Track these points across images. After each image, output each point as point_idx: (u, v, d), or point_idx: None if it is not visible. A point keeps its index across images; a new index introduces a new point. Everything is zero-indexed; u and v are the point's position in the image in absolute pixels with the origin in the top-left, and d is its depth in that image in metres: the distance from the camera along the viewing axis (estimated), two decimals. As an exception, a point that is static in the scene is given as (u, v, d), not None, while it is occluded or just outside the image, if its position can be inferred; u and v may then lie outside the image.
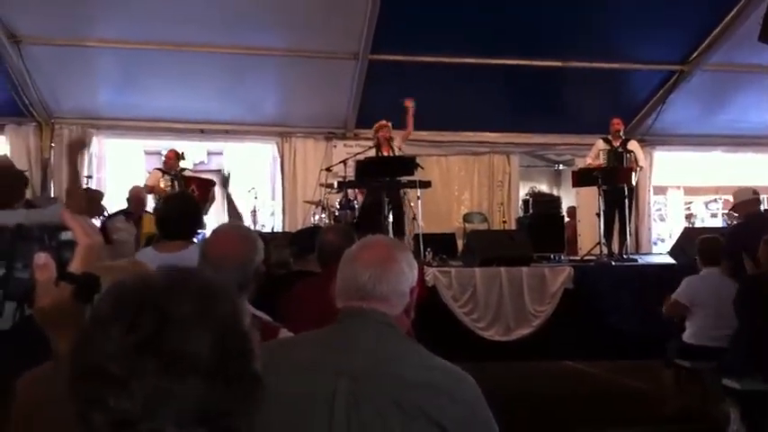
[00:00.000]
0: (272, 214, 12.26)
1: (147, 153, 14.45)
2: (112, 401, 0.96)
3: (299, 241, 4.75)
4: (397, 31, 9.40)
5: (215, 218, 9.44)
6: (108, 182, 11.46)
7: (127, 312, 0.99)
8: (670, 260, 8.69)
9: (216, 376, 0.98)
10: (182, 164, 10.25)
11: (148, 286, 1.03)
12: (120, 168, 13.15)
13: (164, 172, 9.99)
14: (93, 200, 7.58)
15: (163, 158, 10.50)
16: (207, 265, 2.58)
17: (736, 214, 7.52)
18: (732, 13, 9.72)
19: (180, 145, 10.71)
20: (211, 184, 9.64)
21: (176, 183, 9.73)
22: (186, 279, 1.06)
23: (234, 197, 5.03)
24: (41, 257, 1.35)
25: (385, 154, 9.20)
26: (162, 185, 9.79)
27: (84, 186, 8.79)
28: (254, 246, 2.66)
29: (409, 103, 9.39)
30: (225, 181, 5.96)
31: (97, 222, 7.54)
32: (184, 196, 6.20)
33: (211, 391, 0.98)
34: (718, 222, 15.21)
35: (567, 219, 11.46)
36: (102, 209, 8.86)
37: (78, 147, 5.31)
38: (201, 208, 9.67)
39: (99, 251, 1.47)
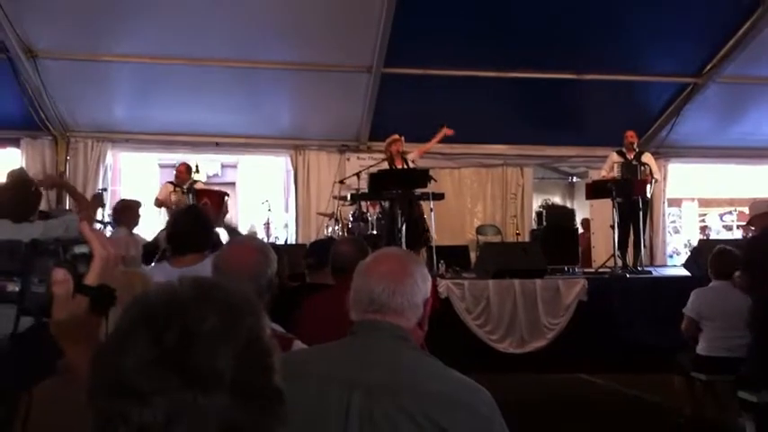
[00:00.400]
0: (286, 226, 12.28)
1: (161, 166, 14.56)
2: (135, 416, 0.95)
3: (314, 254, 4.75)
4: (411, 45, 9.42)
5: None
6: (123, 195, 11.52)
7: (152, 326, 0.98)
8: (685, 272, 8.65)
9: (238, 391, 0.98)
10: (195, 176, 10.30)
11: (174, 299, 1.03)
12: (135, 181, 13.25)
13: (175, 185, 10.03)
14: (129, 209, 7.58)
15: (174, 172, 10.55)
16: (223, 277, 2.58)
17: (753, 228, 7.46)
18: (746, 25, 9.69)
19: (194, 158, 10.79)
20: (224, 195, 9.67)
21: (188, 196, 9.76)
22: (211, 291, 1.05)
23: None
24: (60, 273, 1.36)
25: (398, 167, 9.21)
26: (173, 199, 9.83)
27: (123, 198, 8.83)
28: (267, 258, 2.67)
29: (449, 132, 9.50)
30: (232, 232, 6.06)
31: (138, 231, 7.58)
32: (194, 210, 6.25)
33: (234, 406, 0.97)
34: (733, 234, 15.13)
35: (581, 231, 11.44)
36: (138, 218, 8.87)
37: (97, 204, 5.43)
38: (215, 220, 9.72)
39: (115, 264, 1.47)
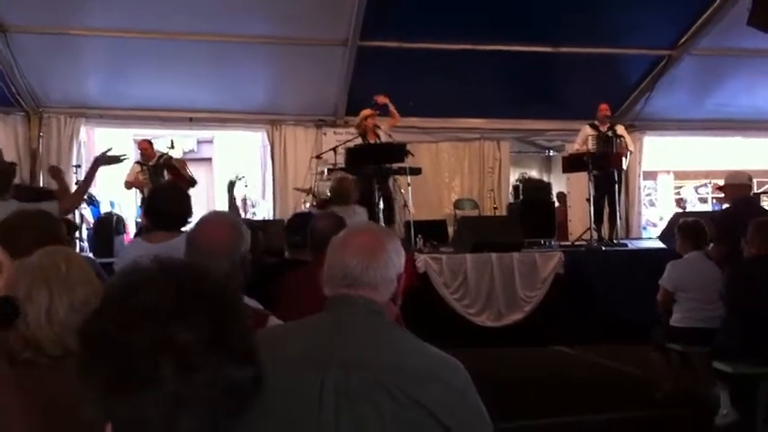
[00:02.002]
0: (263, 202, 12.24)
1: (136, 142, 14.43)
2: (134, 400, 0.96)
3: (298, 231, 4.71)
4: (386, 18, 9.36)
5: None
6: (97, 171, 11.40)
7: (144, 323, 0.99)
8: (660, 245, 8.72)
9: (223, 381, 1.00)
10: (171, 152, 10.20)
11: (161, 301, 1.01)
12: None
13: (141, 164, 9.93)
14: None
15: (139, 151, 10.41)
16: (193, 254, 2.58)
17: (722, 194, 7.53)
18: (720, -2, 9.71)
19: (169, 133, 10.69)
20: (192, 183, 9.47)
21: (156, 173, 9.64)
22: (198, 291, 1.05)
23: (236, 201, 5.01)
24: None
25: (371, 142, 9.18)
26: (141, 178, 9.74)
27: None
28: (240, 235, 2.65)
29: (381, 99, 9.36)
30: (231, 186, 6.03)
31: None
32: (172, 186, 6.23)
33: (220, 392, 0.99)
34: (708, 206, 15.27)
35: (557, 204, 11.49)
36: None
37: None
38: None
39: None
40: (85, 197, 9.71)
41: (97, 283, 2.07)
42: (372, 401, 1.76)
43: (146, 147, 10.12)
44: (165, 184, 8.20)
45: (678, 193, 17.45)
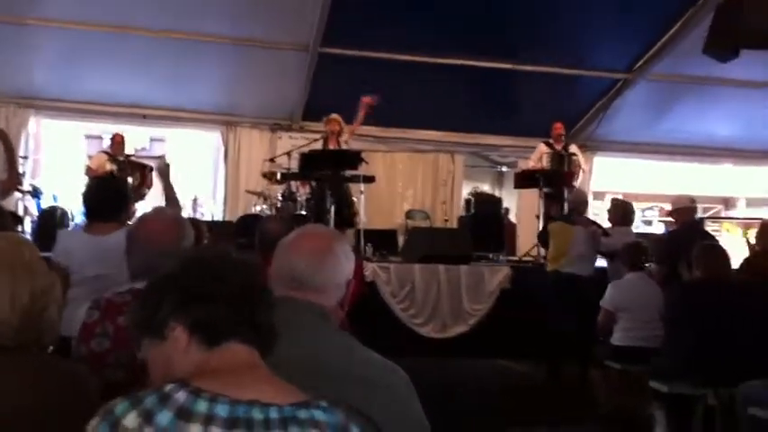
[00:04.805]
0: (213, 203, 12.12)
1: (88, 137, 14.19)
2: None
3: (242, 231, 4.69)
4: (348, 26, 9.36)
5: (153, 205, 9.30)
6: (45, 164, 11.23)
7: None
8: (604, 264, 8.83)
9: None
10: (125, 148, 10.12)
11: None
12: (59, 151, 12.91)
13: (110, 156, 9.81)
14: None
15: (109, 142, 10.30)
16: (134, 249, 2.56)
17: (672, 219, 7.68)
18: (677, 25, 9.91)
19: (121, 129, 10.53)
20: (148, 169, 9.52)
21: (122, 167, 9.57)
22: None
23: (174, 186, 4.96)
24: None
25: (331, 147, 9.16)
26: (107, 169, 9.61)
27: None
28: (182, 231, 2.63)
29: (369, 100, 9.25)
30: (165, 171, 5.85)
31: None
32: (112, 179, 6.21)
33: None
34: (654, 229, 15.52)
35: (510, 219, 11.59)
36: None
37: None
38: (139, 193, 9.58)
39: None
40: (30, 189, 9.56)
41: (53, 274, 2.03)
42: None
43: (120, 141, 10.00)
44: (102, 177, 8.10)
45: (625, 215, 17.74)
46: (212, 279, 1.53)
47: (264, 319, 1.58)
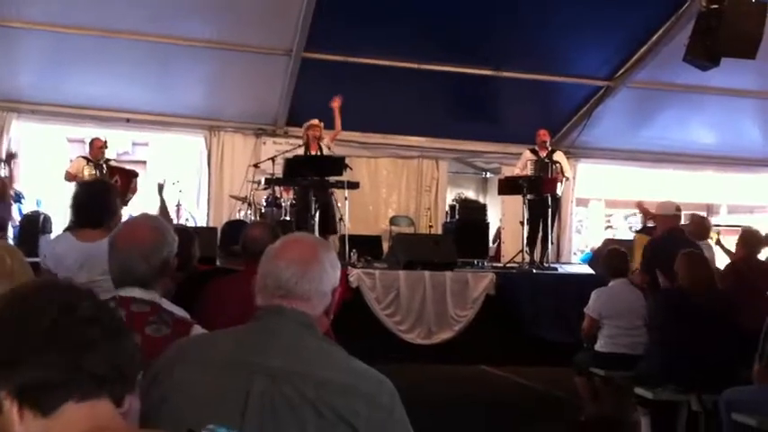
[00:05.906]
0: (197, 208, 12.05)
1: (70, 141, 14.09)
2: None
3: (227, 238, 4.65)
4: (332, 31, 9.36)
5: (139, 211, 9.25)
6: (25, 168, 11.15)
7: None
8: (590, 270, 8.87)
9: None
10: (105, 153, 10.02)
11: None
12: (41, 155, 12.83)
13: (88, 160, 9.74)
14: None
15: (88, 147, 10.23)
16: (113, 255, 2.54)
17: (651, 222, 7.72)
18: (659, 32, 9.99)
19: (104, 134, 10.44)
20: (133, 174, 9.47)
21: (100, 172, 9.50)
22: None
23: (167, 204, 4.95)
24: None
25: (313, 153, 9.14)
26: (86, 174, 9.53)
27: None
28: (164, 238, 2.61)
29: (336, 103, 9.31)
30: (160, 189, 5.92)
31: None
32: (99, 183, 6.19)
33: None
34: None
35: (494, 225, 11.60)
36: None
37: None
38: (123, 198, 9.51)
39: None
40: (12, 194, 9.48)
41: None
42: (296, 414, 1.74)
43: (100, 146, 9.92)
44: (90, 182, 8.04)
45: (608, 221, 17.81)
46: (17, 331, 1.24)
47: (105, 360, 1.26)
